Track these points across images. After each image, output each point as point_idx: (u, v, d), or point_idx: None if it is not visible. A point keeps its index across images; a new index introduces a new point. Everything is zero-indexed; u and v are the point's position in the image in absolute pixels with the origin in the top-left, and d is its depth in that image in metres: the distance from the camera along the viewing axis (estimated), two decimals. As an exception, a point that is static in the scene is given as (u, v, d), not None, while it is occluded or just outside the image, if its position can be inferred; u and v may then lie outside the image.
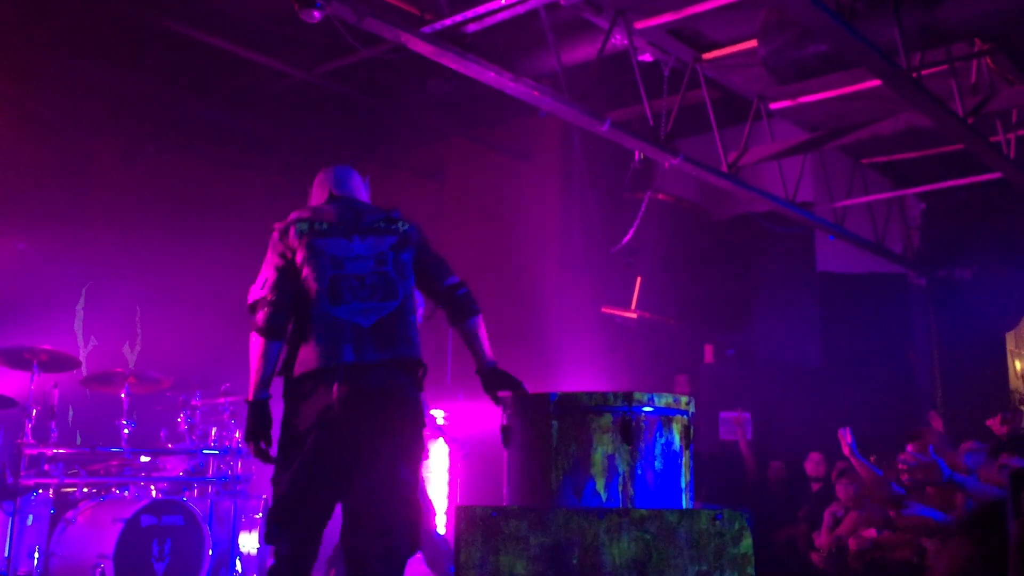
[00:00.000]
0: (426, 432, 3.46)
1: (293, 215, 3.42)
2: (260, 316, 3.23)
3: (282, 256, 3.30)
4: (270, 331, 3.23)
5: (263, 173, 9.64)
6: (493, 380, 3.49)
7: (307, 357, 3.21)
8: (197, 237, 8.25)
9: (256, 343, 3.24)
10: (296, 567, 3.21)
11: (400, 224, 3.46)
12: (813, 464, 7.76)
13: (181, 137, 8.79)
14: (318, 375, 3.18)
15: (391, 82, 7.91)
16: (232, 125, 8.75)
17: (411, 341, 3.30)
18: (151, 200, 8.43)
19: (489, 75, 5.27)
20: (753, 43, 5.97)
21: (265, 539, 3.25)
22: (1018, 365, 9.81)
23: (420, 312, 4.15)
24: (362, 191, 3.70)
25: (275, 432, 3.29)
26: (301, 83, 7.86)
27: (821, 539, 6.74)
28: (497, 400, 3.49)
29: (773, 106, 7.05)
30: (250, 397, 3.27)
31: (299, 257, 3.28)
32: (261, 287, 3.29)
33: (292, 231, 3.33)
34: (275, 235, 3.37)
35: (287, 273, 3.27)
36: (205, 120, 8.53)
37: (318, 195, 3.67)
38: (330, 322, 3.20)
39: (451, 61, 5.16)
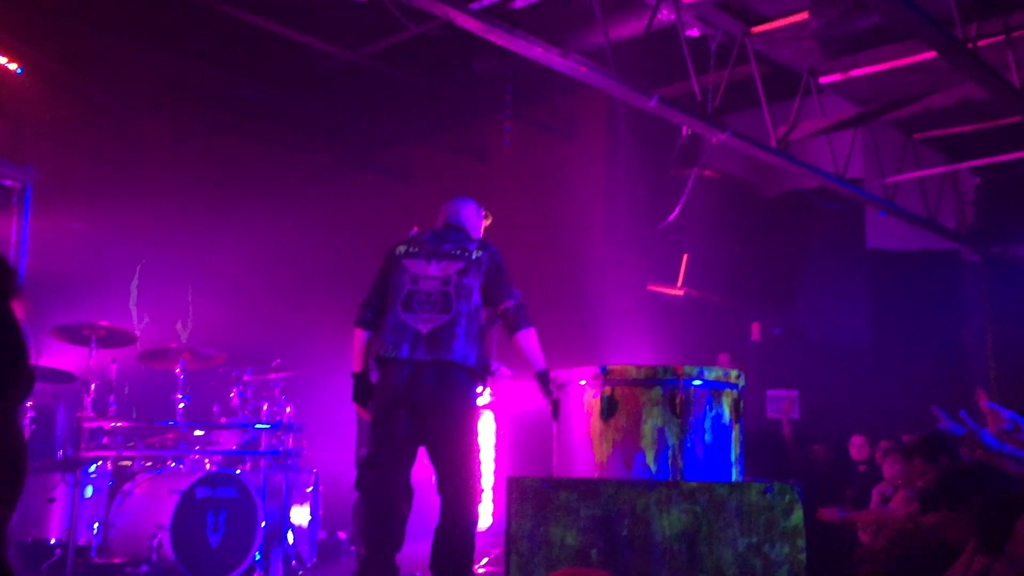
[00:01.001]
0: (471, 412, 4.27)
1: (403, 238, 4.42)
2: (359, 312, 4.31)
3: (383, 269, 4.33)
4: (360, 323, 4.31)
5: (311, 153, 9.75)
6: (540, 384, 4.16)
7: (380, 346, 4.18)
8: (246, 216, 8.37)
9: (355, 331, 4.31)
10: (380, 498, 4.14)
11: (473, 253, 4.30)
12: (856, 448, 7.69)
13: (229, 117, 8.91)
14: (383, 362, 4.16)
15: (437, 62, 7.93)
16: (279, 106, 8.86)
17: (452, 348, 4.09)
18: (201, 180, 8.56)
19: (536, 51, 5.26)
20: (804, 15, 5.88)
21: (355, 485, 4.25)
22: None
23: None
24: (471, 219, 4.56)
25: None
26: (348, 64, 7.92)
27: (869, 518, 6.69)
28: (548, 394, 4.05)
29: (823, 80, 6.94)
30: (354, 370, 4.33)
31: (393, 271, 4.27)
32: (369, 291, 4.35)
33: (396, 251, 4.33)
34: (388, 251, 4.38)
35: (383, 282, 4.31)
36: (253, 101, 8.64)
37: (438, 220, 4.53)
38: (400, 324, 4.14)
39: (499, 37, 5.16)
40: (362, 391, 4.33)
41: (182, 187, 8.39)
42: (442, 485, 4.12)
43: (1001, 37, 5.75)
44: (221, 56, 7.85)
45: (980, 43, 5.44)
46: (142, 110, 8.31)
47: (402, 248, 4.31)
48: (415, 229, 5.95)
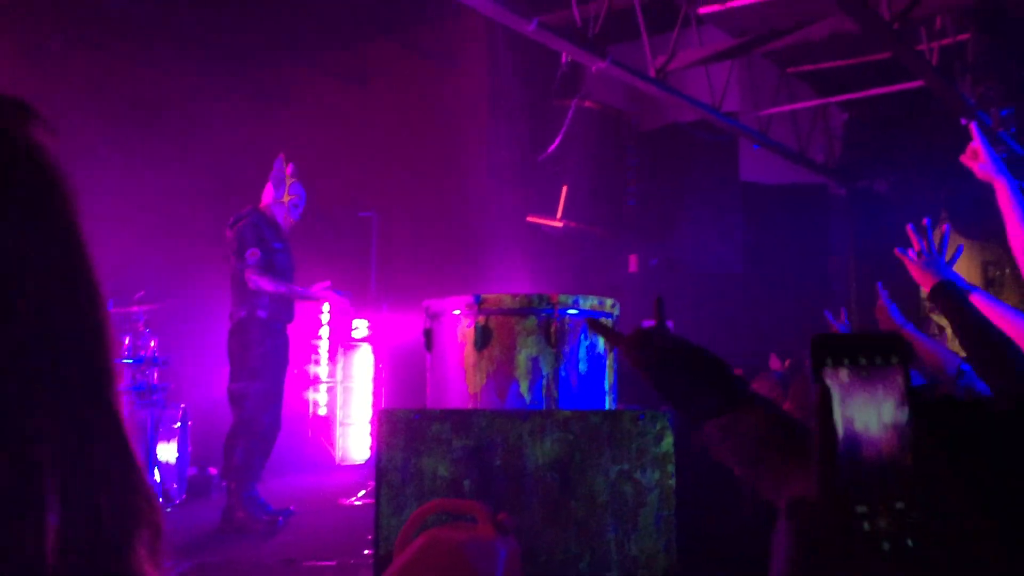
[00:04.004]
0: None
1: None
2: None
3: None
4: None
5: (176, 71, 9.20)
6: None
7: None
8: (106, 138, 7.87)
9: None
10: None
11: None
12: None
13: (87, 32, 8.30)
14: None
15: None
16: (141, 20, 8.30)
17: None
18: (58, 99, 7.96)
19: (411, -33, 5.04)
20: (684, -58, 5.82)
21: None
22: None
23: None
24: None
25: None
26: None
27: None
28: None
29: (702, 10, 6.93)
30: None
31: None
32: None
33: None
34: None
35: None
36: (113, 14, 8.06)
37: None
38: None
39: (371, -48, 4.91)
40: None
41: (34, 102, 7.78)
42: None
43: (873, -30, 5.83)
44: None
45: (853, -24, 5.50)
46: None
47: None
48: (290, 166, 5.75)
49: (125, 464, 0.55)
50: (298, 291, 5.70)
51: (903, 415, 0.65)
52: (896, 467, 0.63)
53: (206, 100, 9.25)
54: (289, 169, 5.79)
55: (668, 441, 3.17)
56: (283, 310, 5.58)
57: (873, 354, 0.66)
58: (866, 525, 0.62)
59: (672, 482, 3.14)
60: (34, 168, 0.54)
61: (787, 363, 7.78)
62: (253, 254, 5.44)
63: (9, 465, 0.48)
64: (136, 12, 8.06)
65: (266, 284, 5.46)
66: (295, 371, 6.69)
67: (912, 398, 0.65)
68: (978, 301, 2.48)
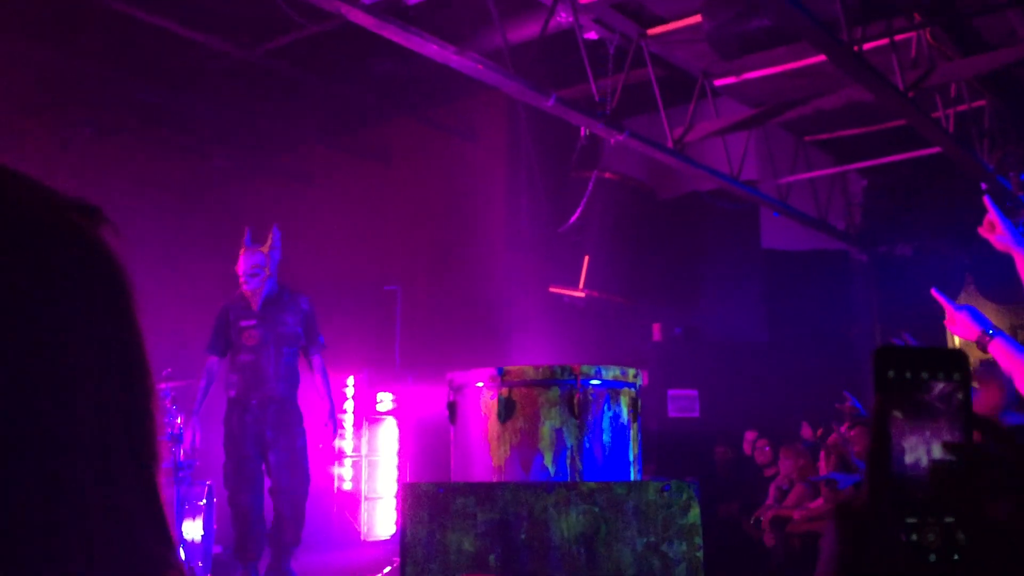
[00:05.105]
0: None
1: None
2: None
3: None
4: None
5: (204, 156, 9.44)
6: None
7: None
8: (136, 220, 8.04)
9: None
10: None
11: None
12: (748, 443, 7.84)
13: (119, 119, 8.55)
14: None
15: (334, 62, 7.77)
16: (172, 107, 8.54)
17: None
18: (89, 183, 8.17)
19: (432, 48, 5.18)
20: (697, 18, 5.96)
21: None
22: (956, 341, 9.99)
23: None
24: None
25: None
26: (242, 63, 7.68)
27: (766, 514, 6.80)
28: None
29: (717, 83, 7.06)
30: None
31: None
32: None
33: None
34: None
35: None
36: (144, 102, 8.31)
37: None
38: None
39: (393, 34, 5.05)
40: None
41: (68, 190, 7.98)
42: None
43: (885, 41, 5.93)
44: (110, 54, 7.52)
45: (866, 46, 5.60)
46: (26, 110, 7.90)
47: None
48: (246, 235, 6.00)
49: (163, 545, 0.59)
50: (195, 404, 5.81)
51: (960, 433, 0.65)
52: (949, 484, 0.64)
53: (234, 182, 9.46)
54: (275, 241, 6.01)
55: (695, 512, 3.14)
56: (252, 387, 5.63)
57: (936, 369, 0.66)
58: (914, 536, 0.63)
59: (700, 554, 3.10)
60: (108, 268, 0.59)
61: (819, 432, 7.69)
62: (209, 340, 5.91)
63: (50, 545, 0.51)
64: (164, 102, 8.30)
65: (203, 375, 5.85)
66: (320, 445, 6.71)
67: (972, 419, 0.66)
68: (999, 345, 2.46)
